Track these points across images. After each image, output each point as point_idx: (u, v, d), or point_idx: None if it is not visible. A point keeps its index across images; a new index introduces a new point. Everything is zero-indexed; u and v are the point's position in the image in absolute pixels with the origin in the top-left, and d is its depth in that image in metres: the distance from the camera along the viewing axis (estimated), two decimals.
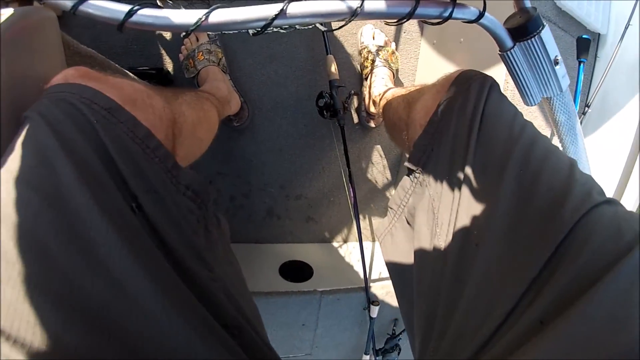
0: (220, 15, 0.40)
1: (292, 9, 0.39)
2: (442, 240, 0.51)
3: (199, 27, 0.40)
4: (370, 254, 1.43)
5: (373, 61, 1.21)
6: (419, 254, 0.57)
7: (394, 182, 1.45)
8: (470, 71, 0.61)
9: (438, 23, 0.46)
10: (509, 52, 0.57)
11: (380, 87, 1.15)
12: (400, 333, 1.35)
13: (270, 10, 0.39)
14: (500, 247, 0.44)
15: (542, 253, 0.39)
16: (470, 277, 0.44)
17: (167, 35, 1.16)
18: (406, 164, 0.65)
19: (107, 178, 0.43)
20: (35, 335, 0.31)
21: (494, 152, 0.50)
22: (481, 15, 0.49)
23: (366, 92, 1.23)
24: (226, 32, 0.42)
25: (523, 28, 0.55)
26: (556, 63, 0.59)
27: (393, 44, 1.26)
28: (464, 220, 0.49)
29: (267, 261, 1.30)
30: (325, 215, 1.39)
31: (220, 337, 0.43)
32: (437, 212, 0.55)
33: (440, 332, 0.46)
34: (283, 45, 1.21)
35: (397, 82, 1.31)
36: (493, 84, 0.58)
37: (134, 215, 0.43)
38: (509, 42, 0.56)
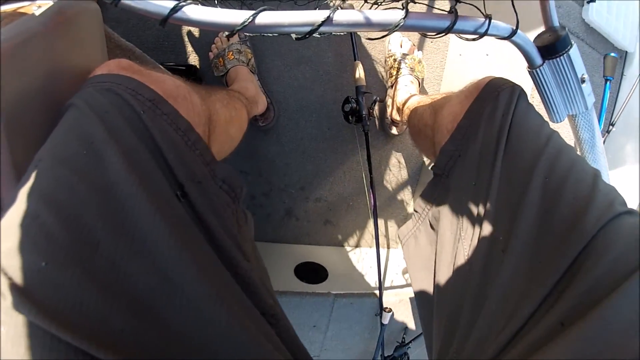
0: (268, 17, 0.42)
1: (339, 17, 0.41)
2: (467, 244, 0.54)
3: (245, 27, 0.42)
4: (385, 260, 1.45)
5: (399, 69, 1.23)
6: (443, 256, 0.60)
7: (413, 190, 1.47)
8: (499, 79, 0.63)
9: (474, 39, 0.49)
10: (537, 70, 0.60)
11: (405, 94, 1.18)
12: (410, 342, 1.37)
13: (317, 16, 0.41)
14: (525, 253, 0.46)
15: (564, 259, 0.42)
16: (496, 281, 0.46)
17: (196, 33, 1.21)
18: (432, 168, 0.68)
19: (154, 167, 0.44)
20: (81, 318, 0.33)
21: (521, 160, 0.52)
22: (514, 32, 0.52)
23: (391, 99, 1.26)
24: (269, 34, 0.44)
25: (552, 46, 0.57)
26: (583, 81, 0.62)
27: (420, 53, 1.29)
28: (490, 227, 0.51)
29: (283, 261, 1.33)
30: (343, 219, 1.42)
31: (260, 325, 0.44)
32: (461, 217, 0.57)
33: (465, 333, 0.48)
34: (312, 49, 1.24)
35: (422, 91, 1.34)
36: (522, 93, 0.60)
37: (179, 204, 0.45)
38: (538, 59, 0.59)
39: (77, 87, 0.50)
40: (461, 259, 0.54)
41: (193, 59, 1.23)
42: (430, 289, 0.67)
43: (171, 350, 0.36)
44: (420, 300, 0.71)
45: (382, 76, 1.34)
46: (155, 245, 0.38)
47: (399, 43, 1.27)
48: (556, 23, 0.59)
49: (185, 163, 0.48)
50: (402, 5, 0.44)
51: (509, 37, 0.52)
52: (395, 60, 1.25)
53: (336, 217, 1.41)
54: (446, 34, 0.46)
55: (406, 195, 1.47)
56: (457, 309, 0.52)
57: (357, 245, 1.47)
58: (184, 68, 1.19)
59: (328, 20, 0.41)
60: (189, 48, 1.22)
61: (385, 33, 0.43)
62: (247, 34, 1.15)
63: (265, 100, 1.19)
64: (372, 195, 1.15)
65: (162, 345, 0.36)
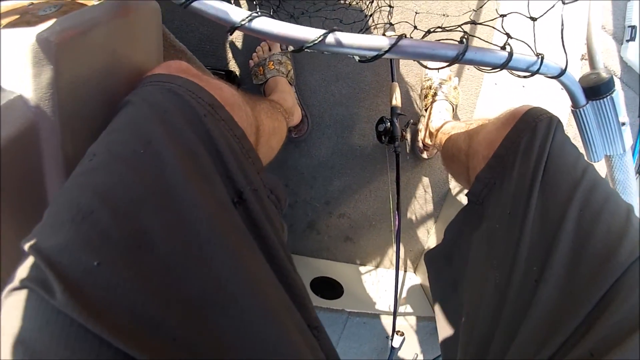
0: (339, 37, 0.45)
1: (404, 45, 0.44)
2: (499, 272, 0.55)
3: (315, 45, 0.45)
4: (401, 284, 1.46)
5: (435, 94, 1.26)
6: (473, 283, 0.61)
7: (435, 217, 1.49)
8: (538, 109, 0.64)
9: (525, 76, 0.52)
10: (581, 110, 0.62)
11: (439, 120, 1.21)
12: None
13: (384, 42, 0.44)
14: (559, 284, 0.48)
15: (597, 291, 0.44)
16: (530, 311, 0.48)
17: (239, 42, 1.26)
18: (467, 194, 0.70)
19: (214, 171, 0.44)
20: (133, 323, 0.32)
21: (557, 193, 0.54)
22: (562, 72, 0.55)
23: (424, 123, 1.29)
24: (334, 53, 0.47)
25: (597, 88, 0.60)
26: (623, 124, 0.65)
27: (456, 79, 1.32)
28: (524, 257, 0.53)
29: (300, 273, 1.32)
30: (363, 237, 1.44)
31: (307, 338, 0.43)
32: (494, 244, 0.58)
33: None
34: (350, 67, 1.28)
35: (455, 118, 1.37)
36: (559, 124, 0.61)
37: (235, 211, 0.44)
38: (582, 100, 0.61)
39: (134, 84, 0.50)
40: (491, 287, 0.55)
41: (232, 65, 1.27)
42: (453, 313, 0.68)
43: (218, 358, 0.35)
44: (442, 323, 0.73)
45: (415, 101, 1.37)
46: (212, 252, 0.38)
47: (437, 68, 1.30)
48: (600, 65, 0.62)
49: (244, 170, 0.48)
50: (461, 39, 0.48)
51: (557, 77, 0.55)
52: (431, 85, 1.28)
53: (357, 235, 1.43)
54: (500, 70, 0.49)
55: (428, 221, 1.49)
56: (486, 336, 0.53)
57: (375, 266, 1.48)
58: (223, 73, 1.23)
59: (394, 47, 0.44)
60: (230, 54, 1.26)
61: (444, 65, 0.46)
62: (287, 45, 1.21)
63: (301, 112, 1.23)
64: (397, 218, 1.17)
65: (211, 356, 0.35)
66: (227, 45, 1.26)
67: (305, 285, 1.24)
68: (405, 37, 0.45)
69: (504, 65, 0.48)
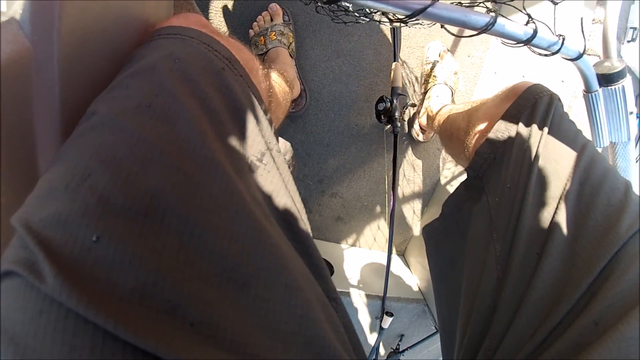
0: None
1: (438, 7, 0.44)
2: (500, 246, 0.57)
3: None
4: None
5: (435, 77, 1.28)
6: (473, 257, 0.63)
7: (424, 199, 1.52)
8: (538, 85, 0.66)
9: (545, 55, 0.54)
10: (593, 94, 0.65)
11: (438, 103, 1.22)
12: (404, 350, 1.41)
13: (418, 3, 0.44)
14: (561, 257, 0.50)
15: (598, 262, 0.46)
16: (533, 283, 0.50)
17: (238, 10, 1.21)
18: (466, 169, 0.71)
19: (232, 129, 0.41)
20: (143, 309, 0.27)
21: (557, 168, 0.56)
22: (580, 55, 0.56)
23: (423, 106, 1.30)
24: (364, 6, 0.44)
25: (610, 76, 0.62)
26: (631, 113, 0.68)
27: (457, 64, 1.33)
28: (525, 230, 0.54)
29: None
30: (355, 218, 1.46)
31: (329, 313, 0.39)
32: (494, 218, 0.60)
33: (499, 332, 0.51)
34: (352, 44, 1.28)
35: (453, 103, 1.38)
36: (559, 102, 0.63)
37: (252, 174, 0.42)
38: (595, 85, 0.63)
39: (142, 38, 0.47)
40: (492, 261, 0.57)
41: (232, 34, 1.25)
42: (452, 288, 0.70)
43: (241, 342, 0.30)
44: (440, 299, 0.75)
45: (414, 84, 1.38)
46: (232, 221, 0.34)
47: (438, 52, 1.31)
48: (616, 55, 0.63)
49: (263, 130, 0.45)
50: (490, 9, 0.48)
51: (575, 59, 0.57)
52: (432, 68, 1.29)
53: (349, 215, 1.45)
54: (524, 46, 0.50)
55: (417, 205, 1.52)
56: (488, 309, 0.55)
57: (366, 246, 1.51)
58: None
59: (429, 9, 0.44)
60: (228, 22, 1.23)
61: (474, 33, 0.47)
62: (289, 17, 1.20)
63: (300, 86, 1.22)
64: (392, 198, 1.18)
65: (232, 341, 0.30)
66: (224, 13, 1.23)
67: None
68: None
69: (529, 41, 0.49)
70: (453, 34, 0.52)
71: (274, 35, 1.17)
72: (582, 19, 0.55)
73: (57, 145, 0.39)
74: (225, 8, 1.21)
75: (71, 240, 0.27)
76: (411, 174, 1.47)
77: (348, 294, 1.28)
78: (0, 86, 0.32)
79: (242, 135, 0.42)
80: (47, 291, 0.25)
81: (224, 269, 0.32)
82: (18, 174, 0.38)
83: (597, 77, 0.64)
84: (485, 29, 0.46)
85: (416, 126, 1.36)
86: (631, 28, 1.36)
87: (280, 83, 0.77)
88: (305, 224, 0.45)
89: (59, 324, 0.25)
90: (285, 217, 0.43)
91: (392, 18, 0.47)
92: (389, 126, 1.18)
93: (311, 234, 0.45)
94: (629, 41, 1.37)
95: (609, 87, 0.64)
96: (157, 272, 0.28)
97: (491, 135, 0.66)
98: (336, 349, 0.35)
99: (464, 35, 0.49)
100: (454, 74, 1.30)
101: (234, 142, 0.40)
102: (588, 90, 0.65)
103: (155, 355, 0.25)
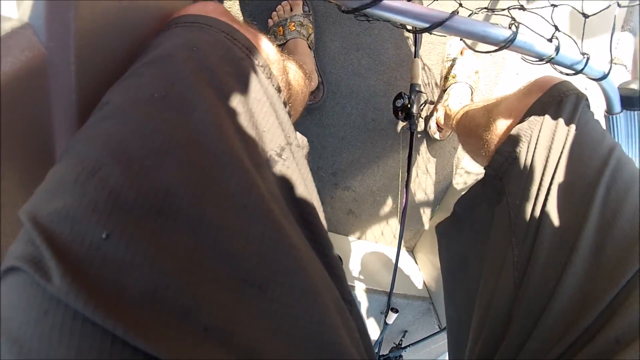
0: (390, 3, 0.45)
1: (457, 21, 0.45)
2: (519, 251, 0.55)
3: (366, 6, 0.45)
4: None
5: (455, 75, 1.27)
6: (490, 260, 0.61)
7: (435, 199, 1.52)
8: (566, 83, 0.62)
9: (568, 74, 0.53)
10: (615, 116, 0.63)
11: (457, 101, 1.21)
12: (407, 346, 1.42)
13: (437, 16, 0.44)
14: (584, 267, 0.48)
15: (623, 275, 0.45)
16: (556, 294, 0.48)
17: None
18: (485, 168, 0.69)
19: (250, 122, 0.40)
20: (155, 312, 0.26)
21: (583, 171, 0.54)
22: (605, 76, 0.55)
23: (442, 104, 1.29)
24: (384, 19, 0.46)
25: (634, 99, 0.61)
26: None
27: (478, 63, 1.32)
28: (548, 236, 0.52)
29: None
30: (366, 212, 1.46)
31: (344, 315, 0.38)
32: (514, 221, 0.58)
33: (517, 342, 0.50)
34: (372, 37, 1.28)
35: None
36: (586, 101, 0.60)
37: (270, 170, 0.41)
38: (618, 107, 0.62)
39: (159, 27, 0.46)
40: (510, 266, 0.55)
41: (251, 23, 1.24)
42: (462, 289, 0.69)
43: (256, 348, 0.29)
44: (450, 299, 0.74)
45: (432, 81, 1.38)
46: (250, 220, 0.33)
47: (460, 49, 1.30)
48: None
49: (283, 124, 0.44)
50: (510, 25, 0.49)
51: (599, 80, 0.56)
52: (452, 65, 1.29)
53: (360, 209, 1.46)
54: (545, 63, 0.50)
55: (429, 203, 1.52)
56: (504, 316, 0.53)
57: (374, 241, 1.52)
58: None
59: (447, 22, 0.44)
60: (246, 11, 1.23)
61: (494, 48, 0.47)
62: (310, 7, 1.19)
63: (317, 78, 1.22)
64: (405, 195, 1.18)
65: (247, 347, 0.29)
66: (242, 2, 1.23)
67: None
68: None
69: (550, 59, 0.49)
70: (472, 49, 0.52)
71: (293, 26, 1.16)
72: (611, 35, 0.54)
73: (73, 132, 0.39)
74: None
75: (79, 237, 0.26)
76: (425, 171, 1.47)
77: (353, 287, 1.29)
78: (18, 93, 0.33)
79: (261, 129, 0.41)
80: (53, 291, 0.24)
81: (240, 271, 0.31)
82: (36, 169, 0.38)
83: (622, 99, 0.63)
84: (505, 44, 0.46)
85: (433, 124, 1.35)
86: None
87: (299, 75, 0.76)
88: (323, 222, 0.44)
89: (65, 326, 0.24)
90: (303, 215, 0.42)
91: (410, 29, 0.47)
92: (405, 123, 1.17)
93: (327, 232, 0.44)
94: None
95: (632, 111, 0.63)
96: (169, 274, 0.27)
97: (514, 132, 0.63)
98: (352, 355, 0.34)
99: (481, 50, 0.49)
100: (474, 73, 1.29)
101: (253, 135, 0.39)
102: (610, 111, 0.63)
103: None
